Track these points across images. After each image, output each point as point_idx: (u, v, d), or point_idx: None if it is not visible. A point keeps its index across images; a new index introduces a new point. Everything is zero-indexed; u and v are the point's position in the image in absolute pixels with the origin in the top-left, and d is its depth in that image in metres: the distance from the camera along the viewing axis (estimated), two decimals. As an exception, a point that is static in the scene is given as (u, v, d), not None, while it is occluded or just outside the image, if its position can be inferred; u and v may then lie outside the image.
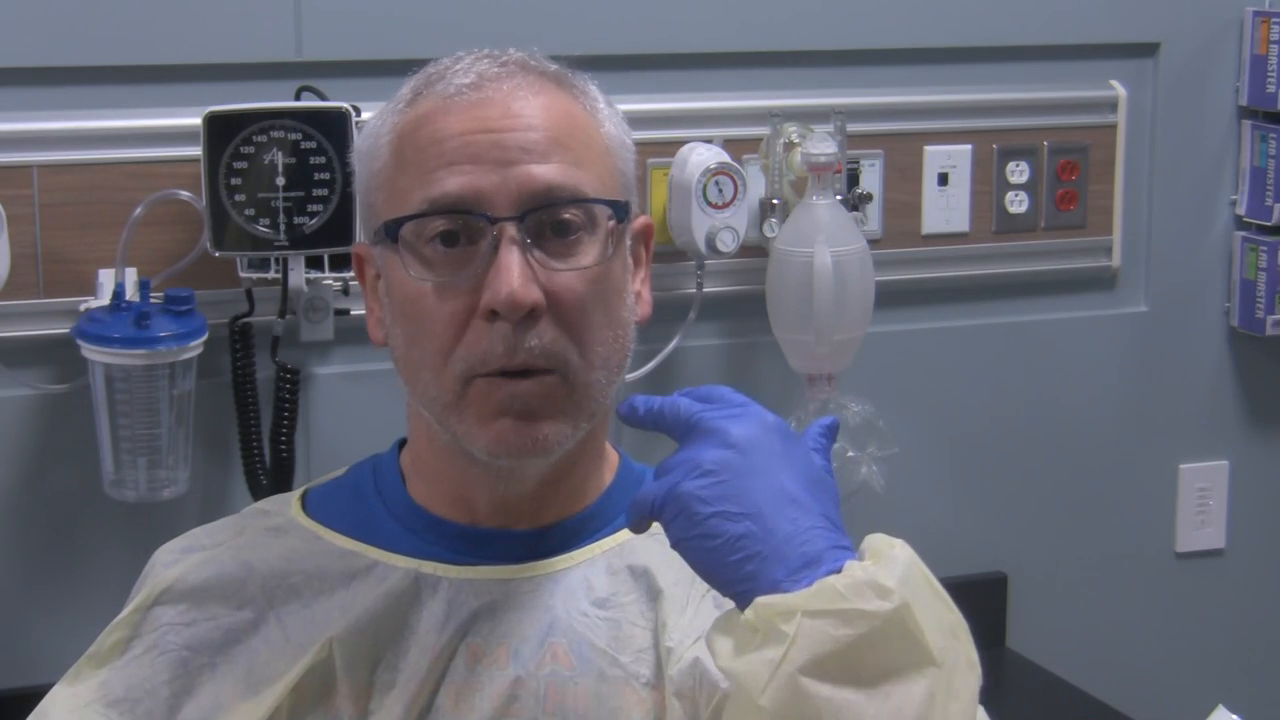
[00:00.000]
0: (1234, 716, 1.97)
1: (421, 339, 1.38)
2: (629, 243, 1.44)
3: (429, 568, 1.42)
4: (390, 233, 1.38)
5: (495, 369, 1.36)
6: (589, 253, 1.38)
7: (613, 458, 1.51)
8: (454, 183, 1.36)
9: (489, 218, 1.35)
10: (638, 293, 1.46)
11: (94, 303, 2.06)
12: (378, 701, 1.39)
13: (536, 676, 1.38)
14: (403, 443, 1.52)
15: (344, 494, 1.50)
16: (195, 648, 1.43)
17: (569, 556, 1.43)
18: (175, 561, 1.48)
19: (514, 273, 1.33)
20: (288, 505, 1.50)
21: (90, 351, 2.01)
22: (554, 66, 1.45)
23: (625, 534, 1.43)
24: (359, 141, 1.46)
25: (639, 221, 1.46)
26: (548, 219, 1.37)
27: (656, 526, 1.40)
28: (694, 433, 1.30)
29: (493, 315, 1.35)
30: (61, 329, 2.07)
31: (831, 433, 1.35)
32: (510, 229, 1.34)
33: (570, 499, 1.45)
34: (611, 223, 1.40)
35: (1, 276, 2.02)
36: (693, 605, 1.41)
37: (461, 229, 1.37)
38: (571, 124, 1.40)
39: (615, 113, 1.47)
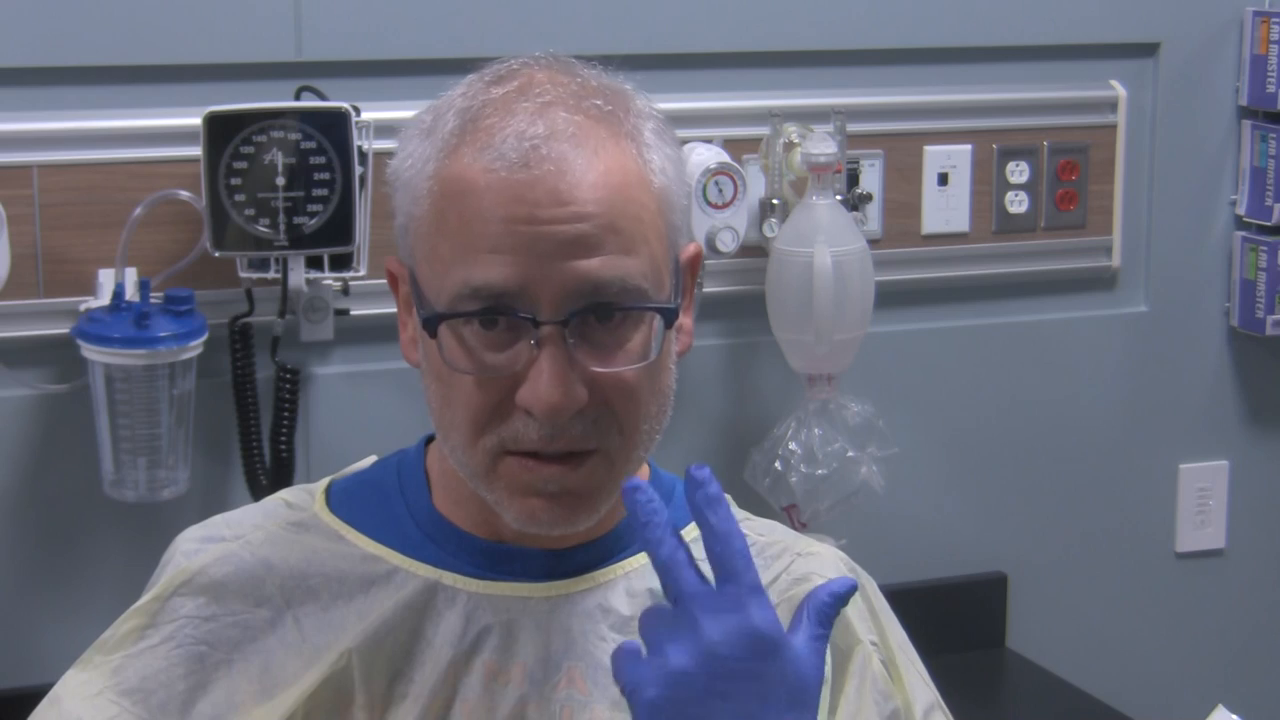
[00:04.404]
0: (1234, 716, 1.97)
1: (454, 409, 1.34)
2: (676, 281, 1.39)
3: (449, 579, 1.39)
4: (428, 323, 1.33)
5: (529, 450, 1.32)
6: (636, 339, 1.32)
7: (641, 474, 1.44)
8: (496, 274, 1.28)
9: (533, 320, 1.29)
10: (680, 324, 1.39)
11: (94, 303, 2.06)
12: (393, 713, 1.37)
13: (551, 699, 1.36)
14: (429, 439, 1.48)
15: (368, 492, 1.47)
16: (213, 643, 1.40)
17: (590, 577, 1.40)
18: (196, 552, 1.44)
19: (556, 381, 1.28)
20: (311, 499, 1.47)
21: (90, 351, 2.01)
22: (598, 99, 1.34)
23: (644, 556, 1.40)
24: (398, 162, 1.37)
25: (688, 250, 1.39)
26: (593, 316, 1.31)
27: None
28: (681, 615, 1.23)
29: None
30: (61, 329, 2.07)
31: (841, 604, 1.29)
32: (554, 331, 1.29)
33: (602, 519, 1.40)
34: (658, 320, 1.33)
35: (1, 276, 2.02)
36: None
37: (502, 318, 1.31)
38: (624, 196, 1.30)
39: (662, 135, 1.36)
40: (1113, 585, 2.59)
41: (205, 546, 1.45)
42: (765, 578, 1.39)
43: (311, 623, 1.40)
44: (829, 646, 1.34)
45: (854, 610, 1.45)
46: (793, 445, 2.26)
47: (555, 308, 1.28)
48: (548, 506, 1.33)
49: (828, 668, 1.39)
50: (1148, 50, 2.51)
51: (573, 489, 1.33)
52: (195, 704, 1.39)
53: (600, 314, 1.30)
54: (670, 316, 1.33)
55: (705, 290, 2.28)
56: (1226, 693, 2.42)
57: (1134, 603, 2.60)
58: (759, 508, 2.29)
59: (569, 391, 1.29)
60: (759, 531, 1.47)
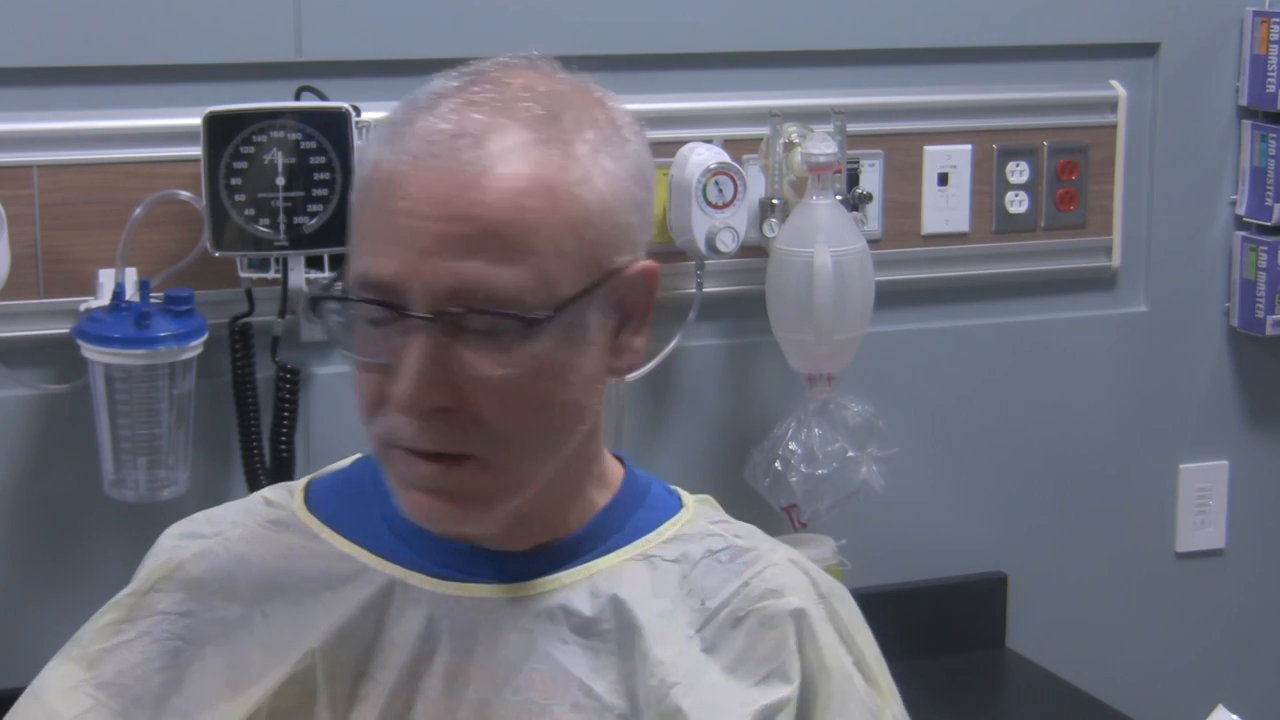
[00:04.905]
0: (1234, 716, 1.97)
1: (358, 396, 1.37)
2: (610, 300, 1.34)
3: (414, 579, 1.40)
4: (310, 302, 1.34)
5: (406, 446, 1.32)
6: (519, 348, 1.29)
7: (612, 475, 1.46)
8: (379, 265, 1.29)
9: (402, 311, 1.29)
10: (622, 345, 1.37)
11: (94, 303, 2.06)
12: (355, 712, 1.38)
13: (511, 702, 1.36)
14: None
15: (346, 490, 1.48)
16: (188, 639, 1.42)
17: (555, 579, 1.40)
18: (175, 548, 1.46)
19: (413, 376, 1.28)
20: (291, 497, 1.48)
21: (90, 351, 2.01)
22: (538, 104, 1.32)
23: (614, 558, 1.41)
24: (360, 146, 1.42)
25: (635, 266, 1.35)
26: (468, 319, 1.29)
27: (654, 549, 1.41)
28: None
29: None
30: (61, 329, 2.07)
31: None
32: (420, 326, 1.28)
33: (555, 523, 1.41)
34: (552, 316, 1.30)
35: (1, 276, 2.02)
36: (675, 645, 1.38)
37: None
38: (518, 204, 1.28)
39: (607, 147, 1.33)
40: (1113, 585, 2.59)
41: (184, 543, 1.46)
42: (733, 583, 1.41)
43: (281, 620, 1.40)
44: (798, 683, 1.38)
45: (824, 633, 1.42)
46: (793, 445, 2.26)
47: (425, 304, 1.28)
48: (429, 503, 1.33)
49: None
50: (1148, 50, 2.51)
51: (450, 490, 1.32)
52: (169, 698, 1.40)
53: (460, 317, 1.28)
54: (534, 328, 1.29)
55: (705, 290, 2.28)
56: (1226, 693, 2.42)
57: (1134, 603, 2.60)
58: (759, 508, 2.29)
59: (425, 389, 1.28)
60: (735, 533, 1.47)
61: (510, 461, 1.32)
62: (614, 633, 1.38)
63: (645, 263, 1.36)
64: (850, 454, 2.27)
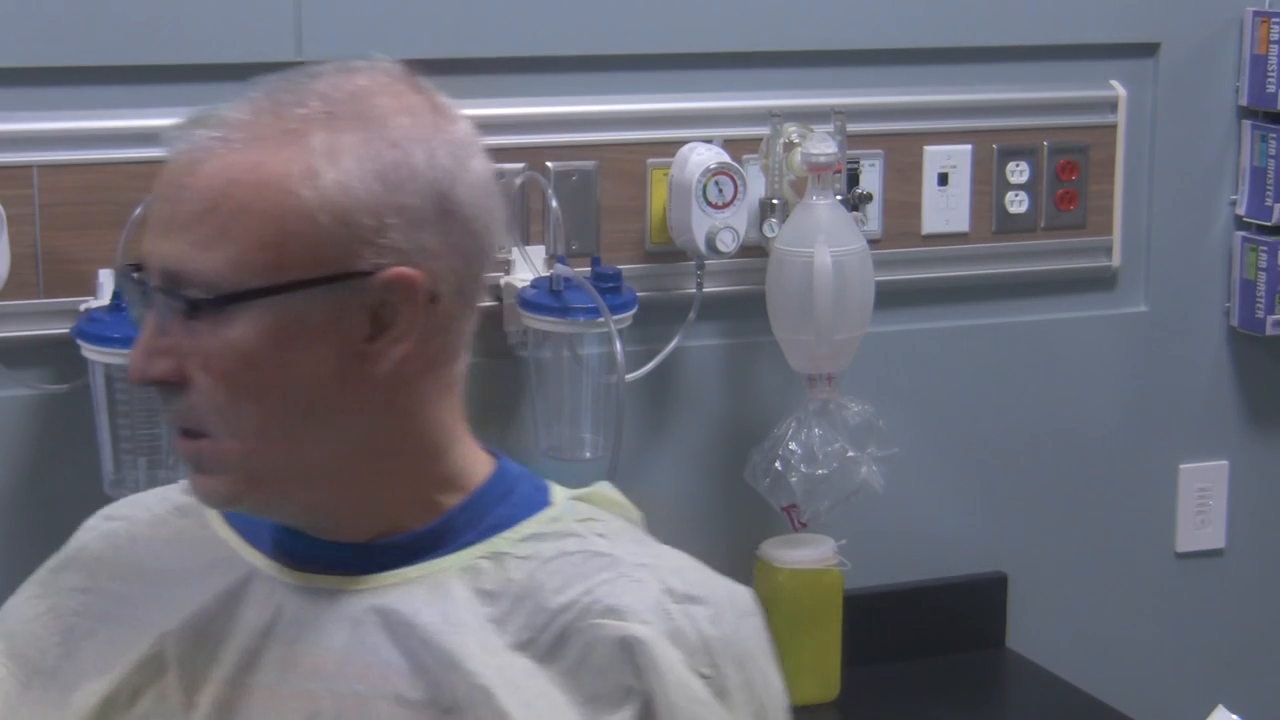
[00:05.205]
0: (1234, 716, 1.97)
1: None
2: (354, 303, 1.35)
3: (270, 568, 1.44)
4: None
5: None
6: (236, 330, 1.33)
7: (470, 475, 1.45)
8: (145, 239, 1.39)
9: (135, 285, 1.39)
10: (379, 352, 1.36)
11: (94, 303, 2.05)
12: (199, 696, 1.41)
13: (336, 694, 1.38)
14: None
15: None
16: (85, 615, 1.48)
17: (396, 574, 1.41)
18: (89, 528, 1.55)
19: (137, 345, 1.36)
20: None
21: (90, 351, 2.01)
22: (301, 103, 1.37)
23: (462, 556, 1.41)
24: None
25: (384, 275, 1.34)
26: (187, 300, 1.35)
27: (507, 547, 1.40)
28: None
29: None
30: (61, 329, 2.07)
31: None
32: (153, 300, 1.36)
33: (383, 518, 1.42)
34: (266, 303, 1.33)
35: (1, 276, 2.02)
36: (499, 648, 1.37)
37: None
38: (229, 194, 1.34)
39: (360, 152, 1.35)
40: (1113, 585, 2.59)
41: (98, 524, 1.56)
42: (576, 588, 1.38)
43: (151, 603, 1.45)
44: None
45: (667, 663, 1.35)
46: (793, 445, 2.26)
47: (156, 281, 1.36)
48: (191, 477, 1.40)
49: None
50: (1148, 50, 2.51)
51: (196, 465, 1.38)
52: (62, 671, 1.47)
53: (166, 294, 1.35)
54: (224, 313, 1.33)
55: (705, 290, 2.28)
56: (1226, 693, 2.42)
57: (1134, 603, 2.60)
58: (759, 508, 2.30)
59: (144, 359, 1.36)
60: (600, 533, 1.44)
61: (238, 444, 1.36)
62: (441, 631, 1.38)
63: (399, 270, 1.35)
64: (850, 454, 2.27)
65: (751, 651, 1.41)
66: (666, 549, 1.46)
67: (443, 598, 1.39)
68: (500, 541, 1.42)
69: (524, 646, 1.37)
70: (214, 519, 1.48)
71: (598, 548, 1.42)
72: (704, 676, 1.36)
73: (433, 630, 1.37)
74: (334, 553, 1.42)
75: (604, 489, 1.52)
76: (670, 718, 1.34)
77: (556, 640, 1.37)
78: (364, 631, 1.39)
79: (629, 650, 1.34)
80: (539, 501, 1.46)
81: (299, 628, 1.40)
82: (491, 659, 1.36)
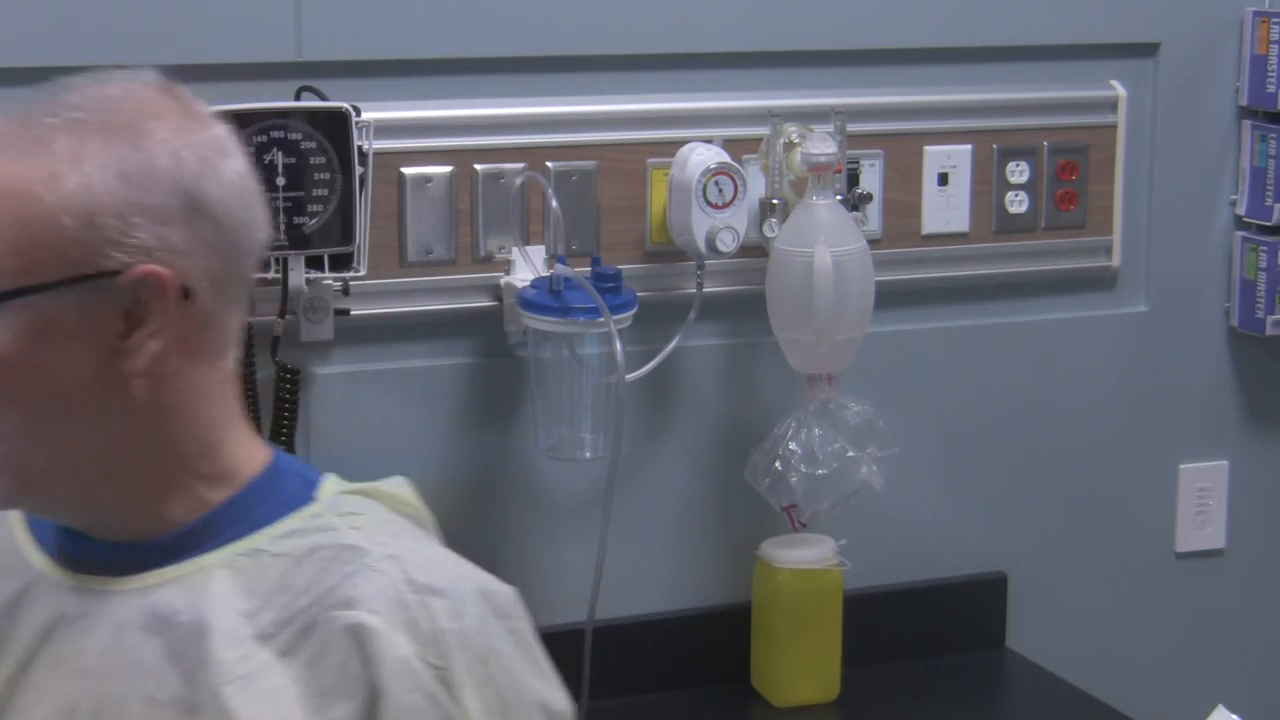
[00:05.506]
0: (1234, 716, 1.97)
1: None
2: (104, 302, 1.38)
3: (55, 572, 1.47)
4: None
5: None
6: None
7: (240, 472, 1.47)
8: None
9: None
10: (132, 347, 1.39)
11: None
12: None
13: (96, 693, 1.40)
14: None
15: None
16: None
17: (157, 574, 1.43)
18: None
19: None
20: None
21: (90, 351, 2.01)
22: (53, 113, 1.40)
23: (220, 554, 1.43)
24: None
25: (133, 274, 1.37)
26: None
27: (264, 544, 1.42)
28: None
29: None
30: (61, 329, 2.06)
31: None
32: None
33: (145, 517, 1.44)
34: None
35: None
36: (243, 646, 1.39)
37: None
38: None
39: (100, 157, 1.38)
40: (1113, 585, 2.59)
41: None
42: (323, 583, 1.40)
43: None
44: None
45: (388, 653, 1.37)
46: (793, 445, 2.26)
47: None
48: None
49: None
50: (1148, 50, 2.51)
51: None
52: None
53: None
54: None
55: (705, 290, 2.28)
56: (1226, 693, 2.42)
57: (1134, 603, 2.60)
58: (759, 507, 2.29)
59: None
60: (355, 526, 1.45)
61: (3, 447, 1.39)
62: (191, 631, 1.40)
63: (147, 268, 1.38)
64: (850, 454, 2.27)
65: (497, 648, 1.41)
66: (434, 546, 1.48)
67: (200, 596, 1.41)
68: (260, 538, 1.44)
69: (270, 641, 1.39)
70: (16, 522, 1.51)
71: (350, 540, 1.43)
72: (435, 668, 1.38)
73: (187, 629, 1.40)
74: (109, 552, 1.45)
75: (392, 485, 1.53)
76: (390, 708, 1.36)
77: (299, 634, 1.39)
78: (126, 632, 1.41)
79: (358, 639, 1.37)
80: (304, 498, 1.47)
81: (70, 628, 1.43)
82: (238, 656, 1.38)
